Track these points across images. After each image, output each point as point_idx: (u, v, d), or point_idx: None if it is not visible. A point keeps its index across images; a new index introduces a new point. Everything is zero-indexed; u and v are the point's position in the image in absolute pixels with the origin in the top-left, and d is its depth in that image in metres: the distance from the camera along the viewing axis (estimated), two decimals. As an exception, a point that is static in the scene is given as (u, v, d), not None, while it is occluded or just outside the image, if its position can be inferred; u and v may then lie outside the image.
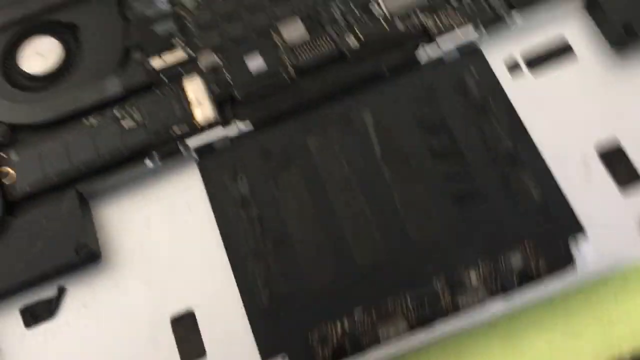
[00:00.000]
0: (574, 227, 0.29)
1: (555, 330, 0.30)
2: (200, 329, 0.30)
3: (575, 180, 0.30)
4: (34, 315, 0.32)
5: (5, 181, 0.33)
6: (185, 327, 0.30)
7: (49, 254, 0.31)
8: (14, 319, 0.31)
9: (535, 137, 0.31)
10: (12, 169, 0.34)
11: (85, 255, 0.31)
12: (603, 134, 0.31)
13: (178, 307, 0.31)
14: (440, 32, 0.33)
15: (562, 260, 0.29)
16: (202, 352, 0.30)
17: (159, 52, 0.35)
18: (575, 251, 0.29)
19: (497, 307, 0.28)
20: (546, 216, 0.30)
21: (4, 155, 0.34)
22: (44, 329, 0.31)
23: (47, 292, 0.32)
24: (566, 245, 0.29)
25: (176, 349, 0.30)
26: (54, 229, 0.32)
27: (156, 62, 0.35)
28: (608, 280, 0.31)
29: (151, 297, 0.31)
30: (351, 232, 0.31)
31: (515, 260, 0.29)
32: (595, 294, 0.31)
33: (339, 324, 0.29)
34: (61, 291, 0.32)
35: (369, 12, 0.35)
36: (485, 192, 0.30)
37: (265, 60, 0.34)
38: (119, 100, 0.34)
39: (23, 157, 0.34)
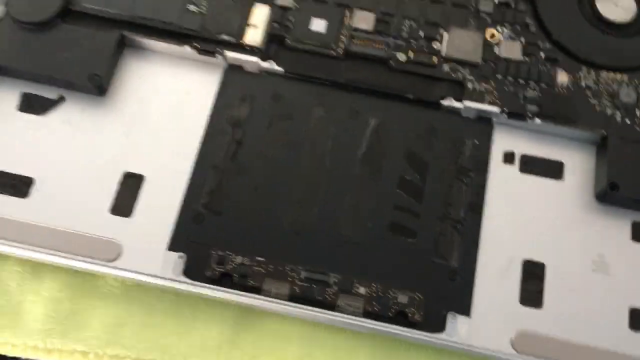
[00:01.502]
0: (464, 309, 0.29)
1: None
2: (139, 195, 0.31)
3: (491, 270, 0.30)
4: (29, 105, 0.33)
5: (77, -8, 0.34)
6: (130, 187, 0.31)
7: (69, 66, 0.32)
8: (13, 97, 0.33)
9: (486, 219, 0.31)
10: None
11: (95, 84, 0.32)
12: (539, 252, 0.31)
13: (134, 168, 0.31)
14: (471, 97, 0.33)
15: (436, 326, 0.29)
16: (129, 213, 0.30)
17: (251, -30, 0.35)
18: (449, 325, 0.29)
19: (361, 325, 0.29)
20: (448, 283, 0.30)
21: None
22: (30, 119, 0.32)
23: (49, 93, 0.33)
24: (444, 317, 0.29)
25: (112, 199, 0.31)
26: (86, 51, 0.33)
27: (243, -23, 0.35)
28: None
29: (119, 148, 0.32)
30: (297, 196, 0.31)
31: (401, 299, 0.29)
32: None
33: (239, 258, 0.29)
34: (60, 99, 0.33)
35: (430, 44, 0.34)
36: (419, 236, 0.30)
37: (327, 28, 0.34)
38: (197, -14, 0.35)
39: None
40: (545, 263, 0.31)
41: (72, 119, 0.32)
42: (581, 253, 0.31)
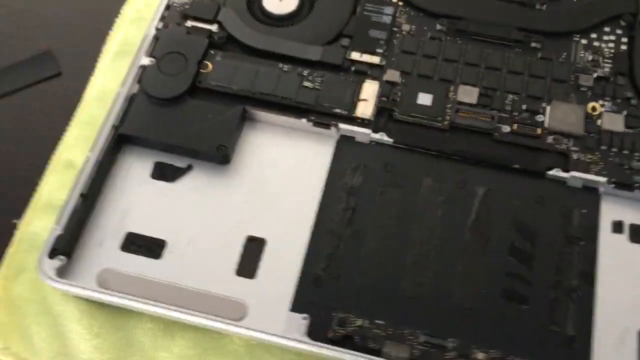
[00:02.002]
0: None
1: None
2: (262, 258, 0.32)
3: (607, 340, 0.30)
4: (161, 172, 0.35)
5: (202, 70, 0.36)
6: (253, 250, 0.32)
7: (198, 138, 0.34)
8: (147, 166, 0.35)
9: (599, 288, 0.31)
10: (212, 64, 0.37)
11: (221, 154, 0.34)
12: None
13: (256, 232, 0.33)
14: (577, 167, 0.33)
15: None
16: (253, 275, 0.32)
17: (362, 49, 0.37)
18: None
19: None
20: (566, 352, 0.29)
21: (212, 52, 0.37)
22: (161, 186, 0.34)
23: (179, 162, 0.35)
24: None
25: (237, 261, 0.32)
26: (212, 124, 0.35)
27: (355, 55, 0.37)
28: None
29: (243, 213, 0.33)
30: (412, 262, 0.32)
31: (520, 367, 0.29)
32: None
33: (360, 321, 0.30)
34: (189, 168, 0.35)
35: (533, 116, 0.35)
36: (532, 302, 0.30)
37: (433, 101, 0.36)
38: (312, 65, 0.37)
39: (225, 61, 0.37)
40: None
41: (199, 186, 0.34)
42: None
